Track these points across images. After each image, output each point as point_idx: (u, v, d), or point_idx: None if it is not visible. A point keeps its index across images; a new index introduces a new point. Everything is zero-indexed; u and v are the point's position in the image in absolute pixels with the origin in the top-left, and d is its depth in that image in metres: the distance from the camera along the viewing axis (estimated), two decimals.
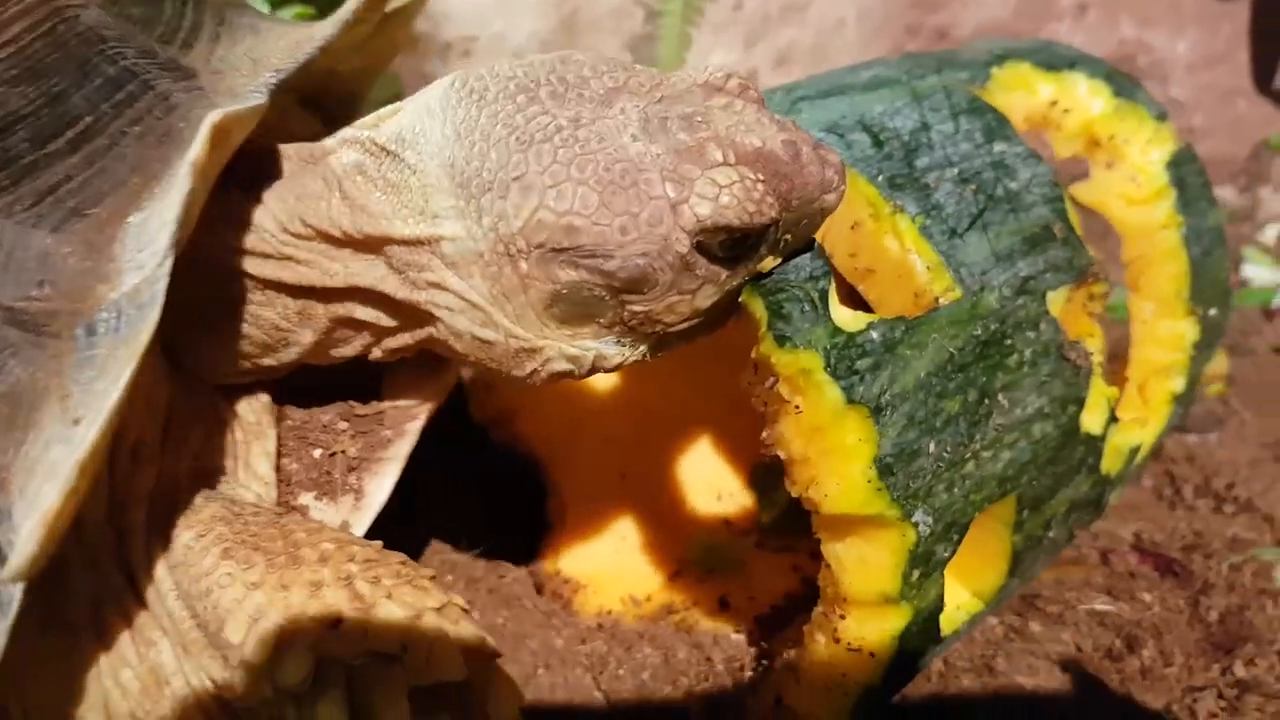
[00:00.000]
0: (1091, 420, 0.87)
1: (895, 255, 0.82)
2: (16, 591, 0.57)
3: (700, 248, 0.68)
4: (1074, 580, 1.13)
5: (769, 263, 0.73)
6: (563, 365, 0.74)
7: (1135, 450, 0.99)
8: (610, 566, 1.11)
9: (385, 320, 0.77)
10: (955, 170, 0.87)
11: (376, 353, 0.81)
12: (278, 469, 0.83)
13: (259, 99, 0.72)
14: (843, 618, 0.77)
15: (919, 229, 0.81)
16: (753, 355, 0.75)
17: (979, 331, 0.80)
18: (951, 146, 0.89)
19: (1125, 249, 1.05)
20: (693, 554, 1.13)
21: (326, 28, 0.80)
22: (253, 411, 0.83)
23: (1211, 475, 1.31)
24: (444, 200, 0.70)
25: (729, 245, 0.68)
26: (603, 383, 1.18)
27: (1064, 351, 0.85)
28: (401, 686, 0.68)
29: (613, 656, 1.01)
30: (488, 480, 1.24)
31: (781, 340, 0.73)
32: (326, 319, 0.77)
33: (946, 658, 1.02)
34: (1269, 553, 1.15)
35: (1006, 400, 0.80)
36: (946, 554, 0.77)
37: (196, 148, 0.64)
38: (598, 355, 0.73)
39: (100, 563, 0.72)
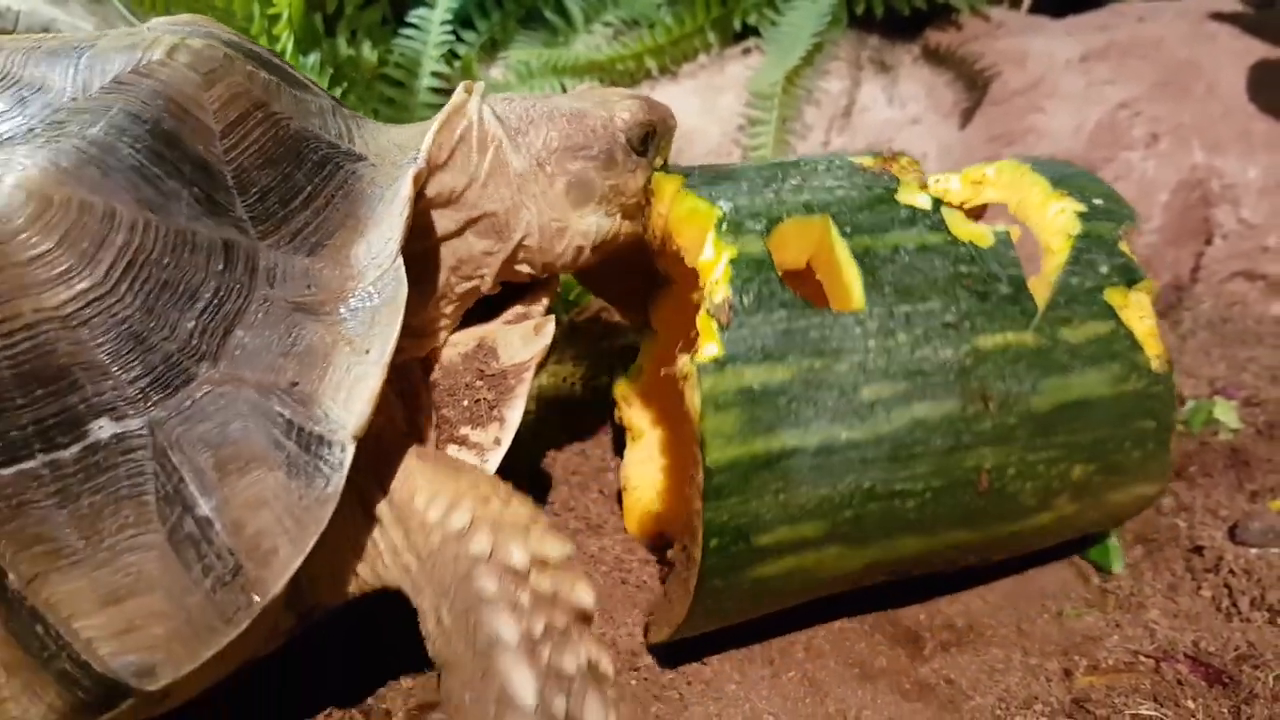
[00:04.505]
0: (910, 199, 1.25)
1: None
2: (350, 449, 0.92)
3: (629, 141, 1.23)
4: (1124, 686, 1.21)
5: (656, 164, 1.28)
6: (580, 239, 1.24)
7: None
8: None
9: (487, 243, 1.21)
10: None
11: (488, 281, 1.23)
12: (441, 417, 1.20)
13: (418, 165, 1.11)
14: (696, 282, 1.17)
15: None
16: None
17: (773, 168, 1.29)
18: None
19: (1010, 206, 1.41)
20: None
21: (427, 138, 1.17)
22: (420, 385, 1.20)
23: (1269, 588, 1.35)
24: (508, 145, 1.19)
25: (640, 140, 1.24)
26: None
27: (855, 167, 1.29)
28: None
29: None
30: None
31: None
32: (457, 256, 1.20)
33: None
34: None
35: (800, 178, 1.25)
36: (758, 227, 1.16)
37: (407, 187, 1.03)
38: (597, 226, 1.24)
39: (359, 467, 1.07)
